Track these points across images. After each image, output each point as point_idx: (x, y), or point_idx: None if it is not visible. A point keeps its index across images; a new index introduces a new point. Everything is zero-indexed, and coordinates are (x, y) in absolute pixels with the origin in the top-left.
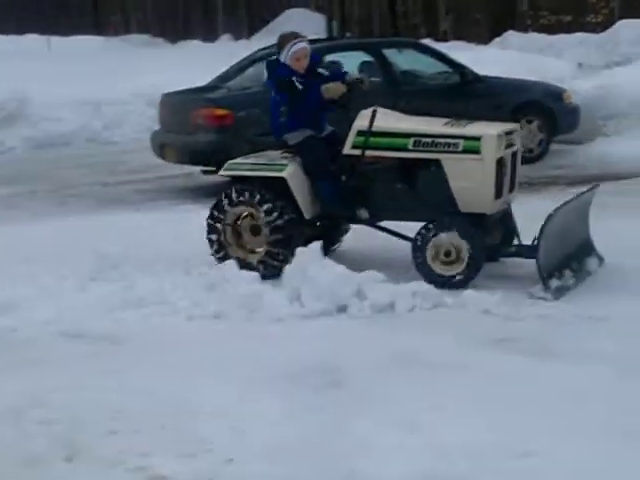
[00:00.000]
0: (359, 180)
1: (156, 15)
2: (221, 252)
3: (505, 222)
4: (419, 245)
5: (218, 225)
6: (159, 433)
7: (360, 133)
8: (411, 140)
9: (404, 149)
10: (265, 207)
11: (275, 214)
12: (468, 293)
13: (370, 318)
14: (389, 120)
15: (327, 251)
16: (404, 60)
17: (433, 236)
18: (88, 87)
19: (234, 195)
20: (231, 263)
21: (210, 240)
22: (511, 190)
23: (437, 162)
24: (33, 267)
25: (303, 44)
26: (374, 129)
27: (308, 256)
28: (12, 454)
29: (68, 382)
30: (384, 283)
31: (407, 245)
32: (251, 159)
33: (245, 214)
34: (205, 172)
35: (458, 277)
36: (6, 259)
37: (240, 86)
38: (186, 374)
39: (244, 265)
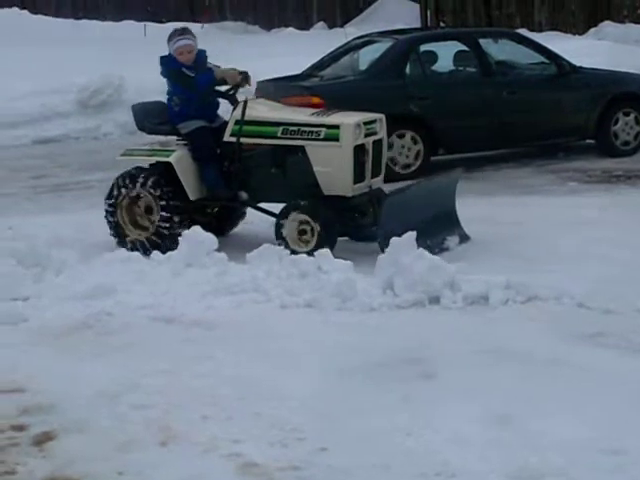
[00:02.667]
0: (239, 165)
1: (251, 1)
2: (118, 231)
3: (375, 205)
4: (279, 224)
5: (114, 206)
6: (252, 420)
7: (237, 122)
8: (280, 128)
9: (274, 137)
10: (154, 189)
11: (162, 195)
12: (563, 286)
13: (463, 310)
14: (261, 110)
15: (222, 234)
16: (500, 50)
17: (288, 215)
18: None
19: (128, 178)
20: (325, 252)
21: (108, 221)
22: (376, 175)
23: (302, 149)
24: (129, 252)
25: (185, 41)
26: (248, 118)
27: (402, 246)
28: (108, 438)
29: (162, 367)
30: (477, 275)
31: None
32: (147, 145)
33: (139, 195)
34: None
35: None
36: (103, 244)
37: (334, 74)
38: (279, 362)
39: (140, 244)
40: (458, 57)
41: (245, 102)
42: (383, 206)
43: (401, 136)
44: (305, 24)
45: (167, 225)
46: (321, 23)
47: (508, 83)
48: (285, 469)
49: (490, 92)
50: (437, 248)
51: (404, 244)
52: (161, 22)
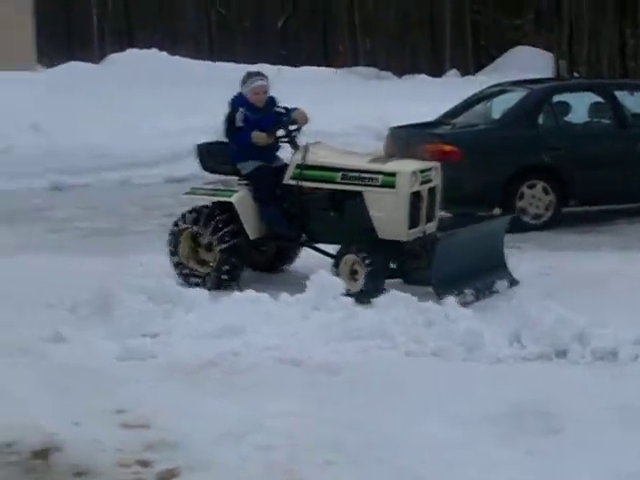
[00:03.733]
0: (298, 207)
1: (384, 47)
2: (180, 268)
3: (429, 249)
4: (335, 263)
5: (177, 243)
6: (376, 467)
7: (298, 166)
8: (339, 174)
9: (333, 181)
10: (215, 227)
11: (223, 234)
12: None
13: (591, 364)
14: (322, 155)
15: (277, 270)
16: (636, 103)
17: (343, 256)
18: (315, 117)
19: (190, 216)
20: (451, 300)
21: (170, 255)
22: (429, 220)
23: (360, 194)
24: (257, 293)
25: (262, 82)
26: (309, 163)
27: (529, 297)
28: (231, 478)
29: (287, 409)
30: (607, 328)
31: None
32: (210, 185)
33: (199, 232)
34: None
35: (353, 293)
36: None
37: (468, 123)
38: (403, 410)
39: (201, 278)
40: (593, 108)
41: (306, 147)
42: (436, 249)
43: (532, 186)
44: (437, 71)
45: (227, 263)
46: (453, 70)
47: None
48: None
49: (625, 144)
50: (487, 291)
51: (531, 296)
52: (295, 66)
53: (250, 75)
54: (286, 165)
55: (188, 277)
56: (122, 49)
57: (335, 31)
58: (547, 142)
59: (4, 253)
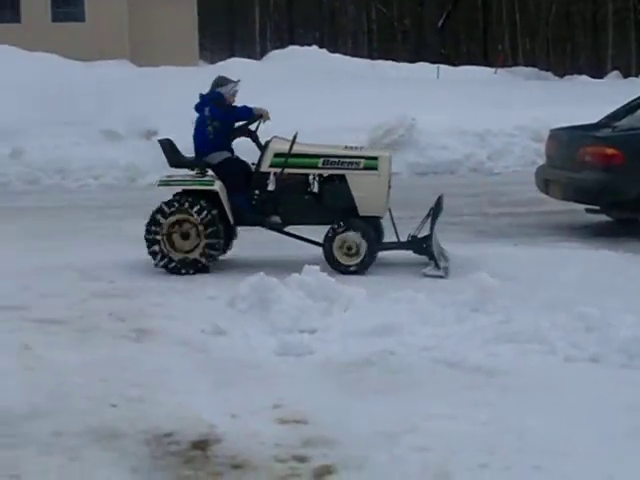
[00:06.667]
0: (273, 192)
1: (544, 47)
2: (164, 260)
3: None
4: (329, 239)
5: (157, 237)
6: (531, 473)
7: (277, 155)
8: (321, 160)
9: (316, 167)
10: (203, 214)
11: (210, 219)
12: None
13: None
14: (301, 144)
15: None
16: None
17: (341, 233)
18: (474, 117)
19: (169, 207)
20: (611, 306)
21: (152, 252)
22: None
23: (342, 177)
24: (414, 293)
25: (238, 89)
26: (294, 151)
27: None
28: (385, 477)
29: (443, 410)
30: None
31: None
32: (178, 177)
33: (185, 219)
34: (589, 210)
35: (354, 267)
36: (388, 282)
37: (630, 125)
38: (560, 415)
39: (184, 263)
40: None
41: (295, 137)
42: (432, 225)
43: None
44: (599, 72)
45: (214, 248)
46: (615, 72)
47: None
48: None
49: None
50: (446, 260)
51: None
52: (454, 65)
53: (230, 81)
54: (239, 158)
55: (167, 265)
56: (283, 46)
57: (495, 31)
58: None
59: None
